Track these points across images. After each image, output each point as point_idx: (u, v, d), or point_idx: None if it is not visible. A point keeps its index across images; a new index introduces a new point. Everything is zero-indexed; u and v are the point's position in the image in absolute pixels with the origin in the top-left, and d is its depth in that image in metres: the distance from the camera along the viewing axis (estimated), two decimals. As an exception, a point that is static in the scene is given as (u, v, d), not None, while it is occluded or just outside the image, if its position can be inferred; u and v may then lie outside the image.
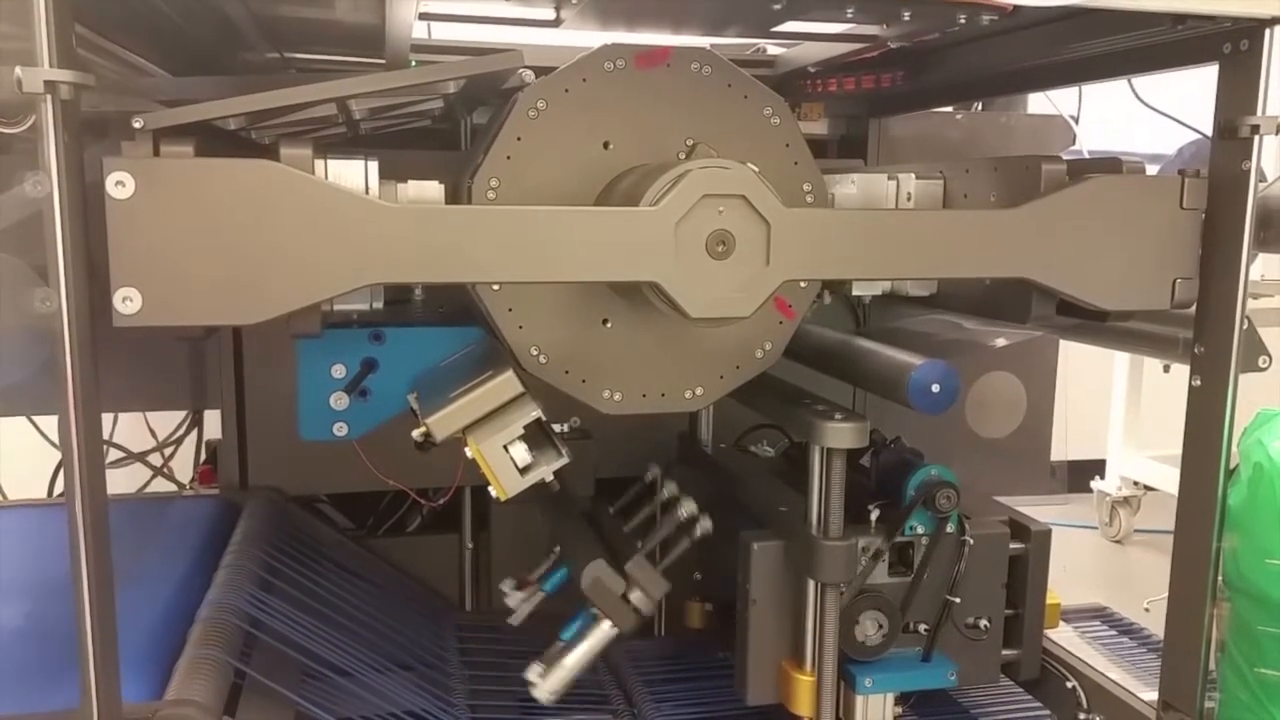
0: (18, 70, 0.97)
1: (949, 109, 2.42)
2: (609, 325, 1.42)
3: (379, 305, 1.39)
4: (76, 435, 1.05)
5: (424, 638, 1.90)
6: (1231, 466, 1.42)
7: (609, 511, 1.85)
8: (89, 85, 1.02)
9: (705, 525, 1.63)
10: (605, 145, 1.39)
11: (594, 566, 1.51)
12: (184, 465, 2.42)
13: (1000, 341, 1.79)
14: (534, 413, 1.35)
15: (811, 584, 1.57)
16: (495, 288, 1.35)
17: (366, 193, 1.24)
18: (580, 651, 1.52)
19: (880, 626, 1.61)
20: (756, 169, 1.24)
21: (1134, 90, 2.11)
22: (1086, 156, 1.71)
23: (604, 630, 1.52)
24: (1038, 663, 1.77)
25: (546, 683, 1.51)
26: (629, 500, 1.84)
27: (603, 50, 1.37)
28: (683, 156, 1.38)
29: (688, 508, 1.64)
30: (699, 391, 1.46)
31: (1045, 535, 1.73)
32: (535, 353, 1.39)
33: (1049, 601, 1.77)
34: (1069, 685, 1.76)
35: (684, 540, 1.63)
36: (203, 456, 2.38)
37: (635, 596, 1.51)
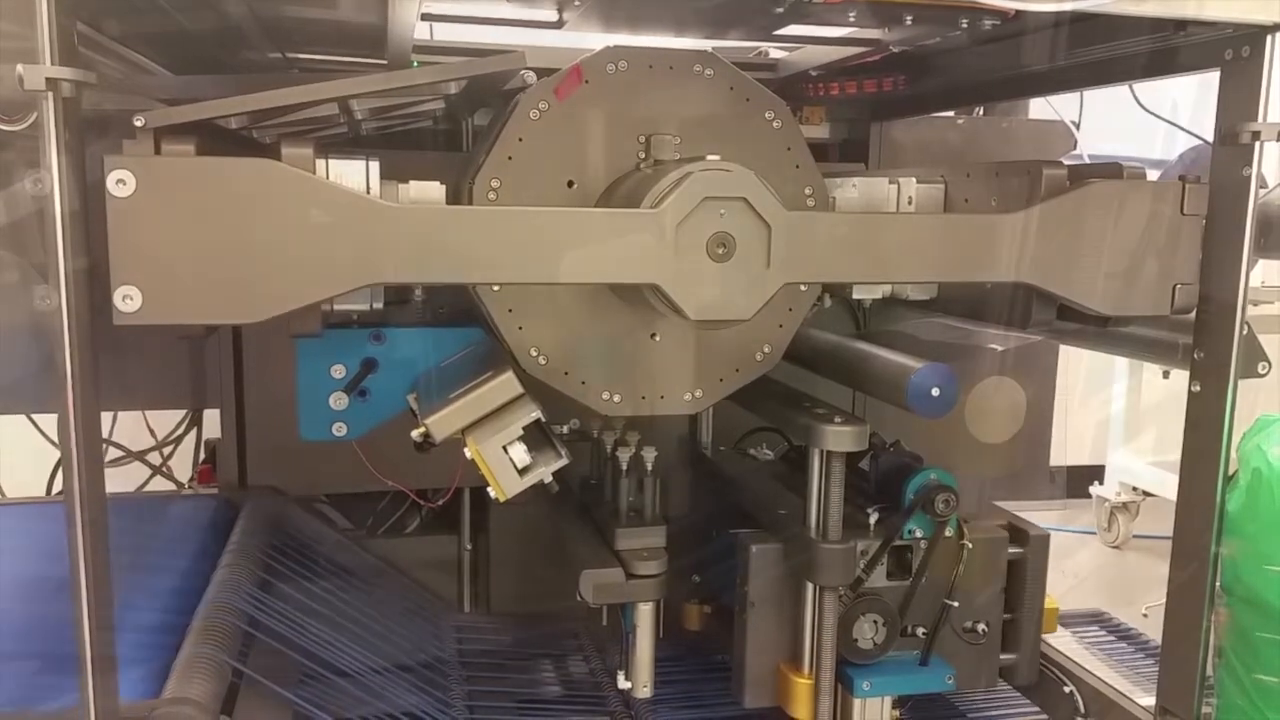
0: (19, 68, 0.97)
1: (950, 113, 2.42)
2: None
3: (379, 305, 1.39)
4: (76, 433, 1.05)
5: (422, 638, 1.90)
6: (1230, 472, 1.42)
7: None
8: (90, 83, 1.02)
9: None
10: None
11: None
12: (183, 464, 2.42)
13: (1000, 346, 1.79)
14: (533, 414, 1.35)
15: (810, 587, 1.57)
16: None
17: (368, 193, 1.23)
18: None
19: (878, 629, 1.61)
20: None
21: (1135, 96, 2.11)
22: (1087, 161, 1.70)
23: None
24: (1035, 667, 1.77)
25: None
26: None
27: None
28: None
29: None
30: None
31: (1043, 540, 1.72)
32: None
33: (1047, 606, 1.76)
34: (1067, 690, 1.76)
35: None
36: (202, 456, 2.38)
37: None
